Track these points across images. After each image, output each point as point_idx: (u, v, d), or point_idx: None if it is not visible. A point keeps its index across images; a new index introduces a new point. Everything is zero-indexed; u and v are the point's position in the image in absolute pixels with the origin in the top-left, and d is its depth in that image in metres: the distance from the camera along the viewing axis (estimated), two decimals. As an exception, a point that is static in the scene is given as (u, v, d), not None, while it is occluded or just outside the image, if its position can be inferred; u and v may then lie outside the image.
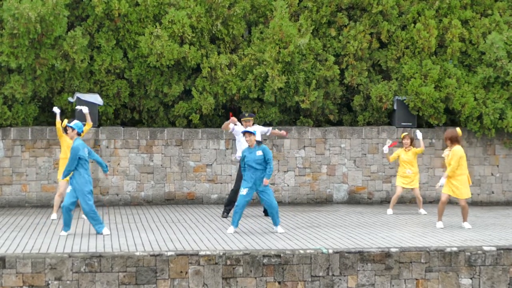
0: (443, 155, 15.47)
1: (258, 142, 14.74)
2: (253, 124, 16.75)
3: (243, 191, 14.54)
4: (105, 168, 14.33)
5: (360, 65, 19.48)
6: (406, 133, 17.66)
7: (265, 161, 14.51)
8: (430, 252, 12.98)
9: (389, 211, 17.45)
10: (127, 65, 18.97)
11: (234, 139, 18.56)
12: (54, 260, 12.15)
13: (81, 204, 14.07)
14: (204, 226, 15.33)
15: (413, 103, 19.09)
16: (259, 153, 14.54)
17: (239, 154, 16.57)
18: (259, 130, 16.59)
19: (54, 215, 16.06)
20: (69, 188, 14.06)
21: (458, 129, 15.28)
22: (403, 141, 17.43)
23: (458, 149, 15.00)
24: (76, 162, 13.92)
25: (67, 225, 14.06)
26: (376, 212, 17.65)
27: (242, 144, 16.41)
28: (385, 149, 17.47)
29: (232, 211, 16.72)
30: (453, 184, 15.03)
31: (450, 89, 19.10)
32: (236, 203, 14.64)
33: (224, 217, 16.55)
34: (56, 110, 16.08)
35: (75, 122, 14.40)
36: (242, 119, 16.61)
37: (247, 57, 18.95)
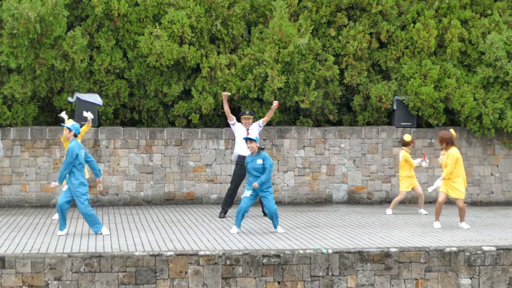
0: (439, 160, 15.38)
1: (260, 149, 14.63)
2: (253, 122, 16.77)
3: (246, 193, 14.48)
4: (98, 173, 14.29)
5: (359, 65, 19.48)
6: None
7: (263, 169, 14.46)
8: (429, 252, 12.99)
9: (388, 211, 17.45)
10: (126, 65, 18.98)
11: (234, 139, 18.58)
12: (53, 260, 12.16)
13: (76, 205, 14.07)
14: (203, 226, 15.34)
15: (412, 103, 19.09)
16: (259, 161, 14.47)
17: (237, 151, 16.58)
18: (256, 128, 16.64)
19: (56, 215, 16.05)
20: (65, 187, 14.04)
21: (452, 130, 15.28)
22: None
23: (454, 151, 14.99)
24: (72, 164, 13.89)
25: (63, 224, 14.05)
26: (376, 212, 17.65)
27: (240, 145, 16.44)
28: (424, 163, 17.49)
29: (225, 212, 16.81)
30: (450, 185, 15.05)
31: (449, 89, 19.10)
32: (241, 204, 14.51)
33: (221, 217, 16.55)
34: (63, 115, 16.01)
35: (72, 123, 14.36)
36: (242, 117, 16.64)
37: (246, 57, 18.95)
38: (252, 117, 16.63)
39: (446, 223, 15.76)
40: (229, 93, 17.30)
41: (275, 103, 16.67)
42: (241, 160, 16.33)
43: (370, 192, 19.36)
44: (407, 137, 17.38)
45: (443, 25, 19.56)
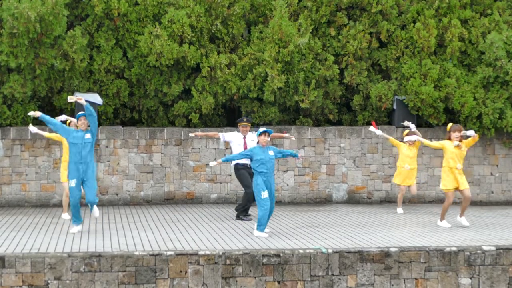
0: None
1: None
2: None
3: (263, 194, 13.88)
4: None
5: (359, 65, 19.49)
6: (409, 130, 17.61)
7: (279, 154, 14.30)
8: (429, 252, 12.99)
9: (399, 210, 17.44)
10: (126, 65, 18.98)
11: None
12: (53, 260, 12.16)
13: (91, 191, 14.04)
14: (203, 225, 15.34)
15: (412, 102, 19.10)
16: (271, 152, 14.07)
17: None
18: (255, 138, 16.30)
19: (65, 215, 15.98)
20: (74, 182, 13.95)
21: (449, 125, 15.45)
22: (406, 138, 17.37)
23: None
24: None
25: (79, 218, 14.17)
26: (376, 212, 17.65)
27: (237, 149, 16.09)
28: (378, 133, 17.33)
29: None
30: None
31: (449, 88, 19.10)
32: (262, 210, 13.93)
33: (240, 219, 16.12)
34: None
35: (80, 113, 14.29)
36: (239, 124, 16.25)
37: (246, 56, 18.95)
38: (249, 124, 16.20)
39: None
40: (197, 133, 16.91)
41: (286, 134, 16.62)
42: (240, 166, 15.98)
43: (370, 192, 19.36)
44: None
45: (443, 25, 19.56)
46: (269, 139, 14.11)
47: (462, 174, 15.23)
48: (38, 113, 14.22)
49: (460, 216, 15.48)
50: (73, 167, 13.97)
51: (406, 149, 17.29)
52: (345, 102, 20.01)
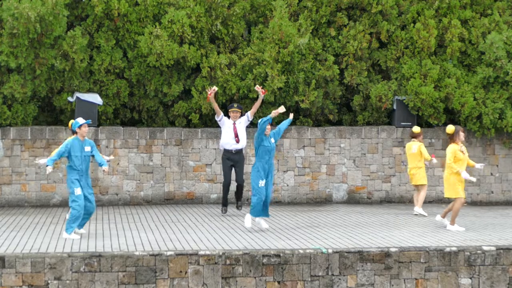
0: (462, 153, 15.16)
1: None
2: (240, 116, 16.96)
3: (261, 183, 14.54)
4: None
5: (359, 65, 19.49)
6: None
7: (278, 135, 14.98)
8: (429, 252, 12.99)
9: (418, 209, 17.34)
10: (126, 65, 18.98)
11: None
12: (53, 260, 12.16)
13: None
14: (203, 225, 15.34)
15: (412, 103, 19.10)
16: (272, 140, 14.86)
17: (223, 145, 16.83)
18: (244, 122, 16.94)
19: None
20: (79, 190, 13.83)
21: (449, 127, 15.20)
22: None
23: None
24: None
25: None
26: (376, 212, 17.65)
27: (225, 139, 16.77)
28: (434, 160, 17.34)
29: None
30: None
31: (449, 89, 19.10)
32: (257, 197, 14.51)
33: (224, 213, 16.97)
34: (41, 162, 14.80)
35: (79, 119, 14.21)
36: (229, 110, 16.94)
37: (246, 57, 18.95)
38: (240, 110, 16.91)
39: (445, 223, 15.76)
40: (217, 88, 17.14)
41: (261, 91, 16.12)
42: (226, 154, 16.74)
43: (370, 192, 19.37)
44: (416, 129, 17.35)
45: (443, 25, 19.56)
46: (268, 127, 14.79)
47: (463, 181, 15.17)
48: (43, 161, 14.21)
49: (442, 216, 15.43)
50: (77, 176, 13.88)
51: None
52: (345, 102, 20.01)
